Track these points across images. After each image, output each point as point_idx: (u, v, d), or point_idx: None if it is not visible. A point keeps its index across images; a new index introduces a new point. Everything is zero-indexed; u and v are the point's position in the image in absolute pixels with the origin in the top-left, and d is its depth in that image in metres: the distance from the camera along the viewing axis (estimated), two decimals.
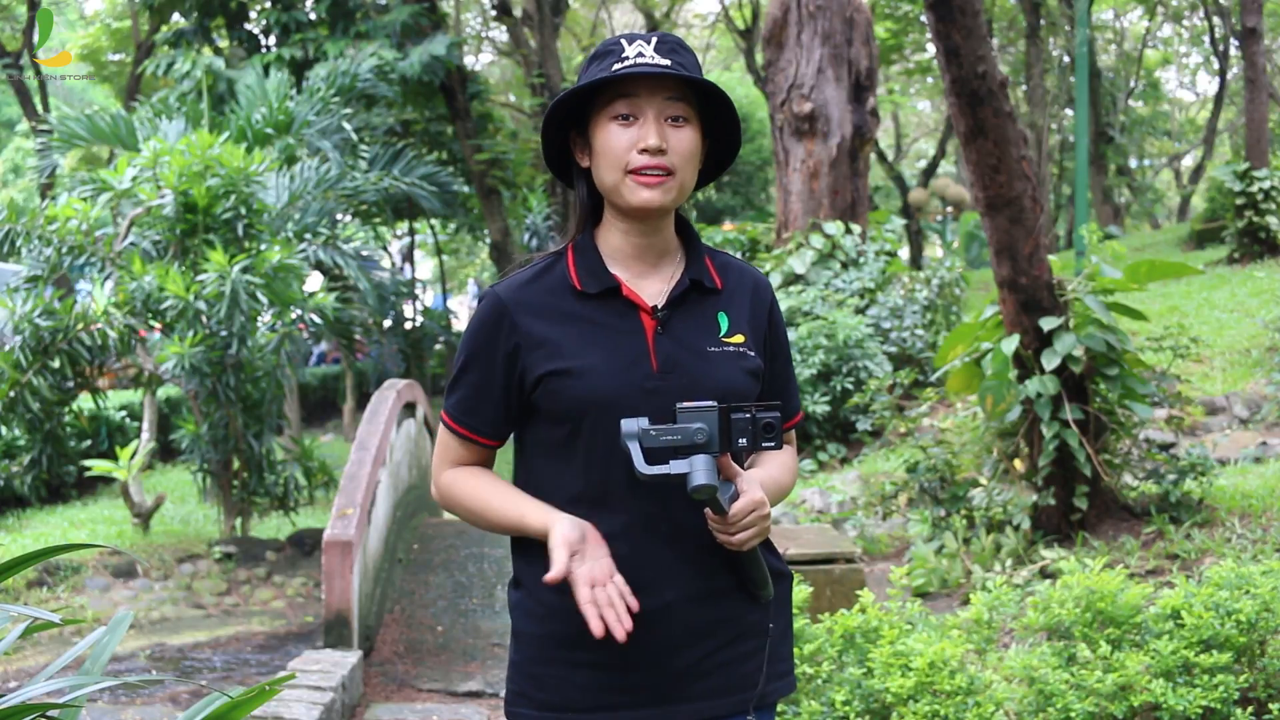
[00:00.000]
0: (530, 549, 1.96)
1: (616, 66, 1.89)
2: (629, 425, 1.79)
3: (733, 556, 1.90)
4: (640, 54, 1.89)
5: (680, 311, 1.95)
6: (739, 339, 1.97)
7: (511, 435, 2.05)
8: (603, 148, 1.91)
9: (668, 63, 1.89)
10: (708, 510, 1.83)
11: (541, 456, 1.98)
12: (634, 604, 1.83)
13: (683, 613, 1.91)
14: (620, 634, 1.80)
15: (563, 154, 2.01)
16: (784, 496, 2.08)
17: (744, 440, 1.81)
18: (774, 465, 2.05)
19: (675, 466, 1.76)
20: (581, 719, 1.92)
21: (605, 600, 1.81)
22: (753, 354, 1.98)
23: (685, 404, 1.81)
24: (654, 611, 1.89)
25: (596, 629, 1.80)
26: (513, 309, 1.94)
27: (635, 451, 1.78)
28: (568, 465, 1.93)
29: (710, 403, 1.81)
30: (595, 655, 1.90)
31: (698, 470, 1.74)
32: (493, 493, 1.97)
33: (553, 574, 1.81)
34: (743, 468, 1.96)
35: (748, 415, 1.81)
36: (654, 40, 1.92)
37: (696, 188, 2.01)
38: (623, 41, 1.92)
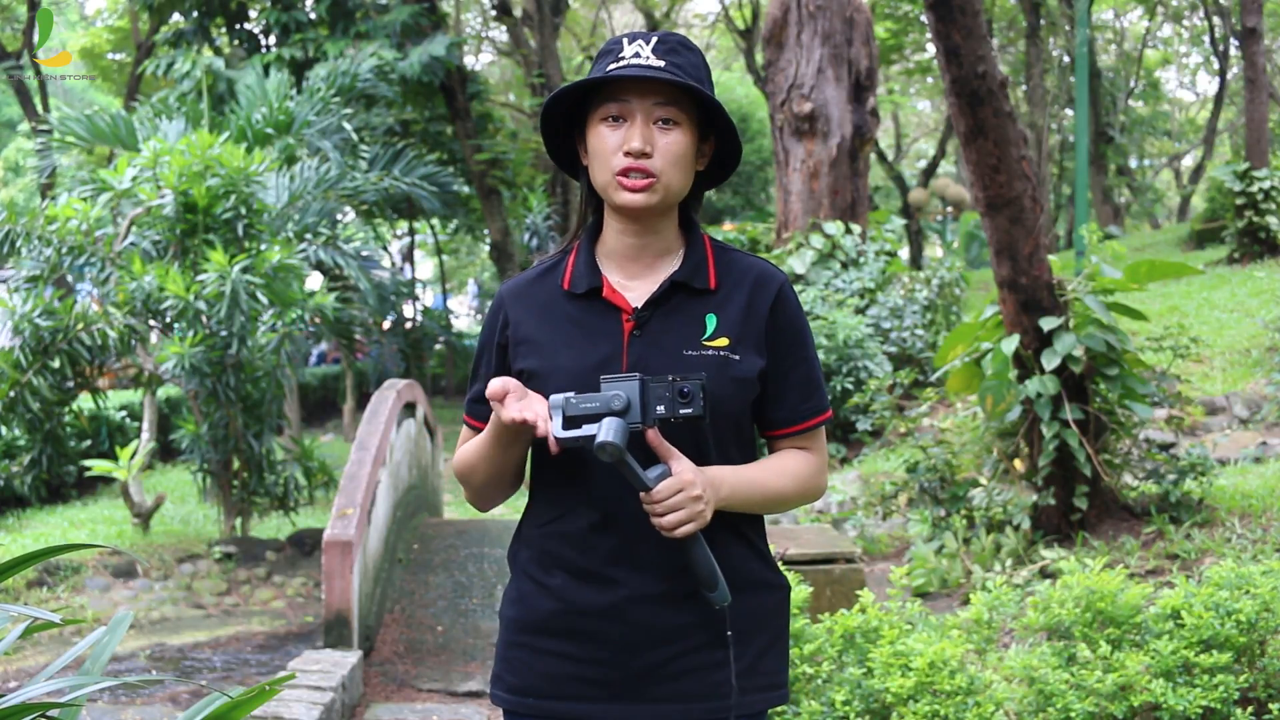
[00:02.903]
0: (522, 534, 2.01)
1: (611, 67, 1.89)
2: (555, 398, 1.83)
3: (679, 549, 1.87)
4: (636, 54, 1.89)
5: (661, 313, 1.94)
6: (723, 342, 1.93)
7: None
8: (593, 148, 1.93)
9: (661, 64, 1.88)
10: (641, 494, 1.83)
11: (542, 453, 2.00)
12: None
13: (643, 612, 1.90)
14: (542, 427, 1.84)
15: (572, 151, 2.03)
16: (783, 503, 2.00)
17: (661, 407, 1.82)
18: (764, 466, 1.98)
19: (587, 429, 1.79)
20: (545, 705, 1.95)
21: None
22: (738, 357, 1.93)
23: (609, 376, 1.84)
24: (612, 607, 1.90)
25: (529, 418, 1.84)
26: (508, 304, 2.01)
27: (556, 419, 1.82)
28: (545, 462, 1.97)
29: (634, 374, 1.83)
30: (558, 645, 1.94)
31: (604, 429, 1.76)
32: (477, 437, 2.02)
33: (509, 410, 1.84)
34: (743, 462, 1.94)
35: (666, 382, 1.83)
36: (653, 40, 1.91)
37: (701, 189, 2.01)
38: (623, 41, 1.93)
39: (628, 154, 1.88)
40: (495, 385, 1.85)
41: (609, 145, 1.90)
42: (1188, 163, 32.55)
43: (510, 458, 1.98)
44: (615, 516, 1.90)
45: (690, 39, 1.98)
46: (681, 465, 1.84)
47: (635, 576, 1.90)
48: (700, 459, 1.88)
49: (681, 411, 1.82)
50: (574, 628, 1.92)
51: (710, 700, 1.92)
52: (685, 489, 1.82)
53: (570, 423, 1.81)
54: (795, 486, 1.99)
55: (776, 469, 1.99)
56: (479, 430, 2.03)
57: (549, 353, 1.94)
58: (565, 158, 2.04)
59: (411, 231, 23.23)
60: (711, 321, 1.95)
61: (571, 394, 1.82)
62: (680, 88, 1.90)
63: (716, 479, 1.87)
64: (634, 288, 1.96)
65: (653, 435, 1.82)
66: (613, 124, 1.90)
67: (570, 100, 1.96)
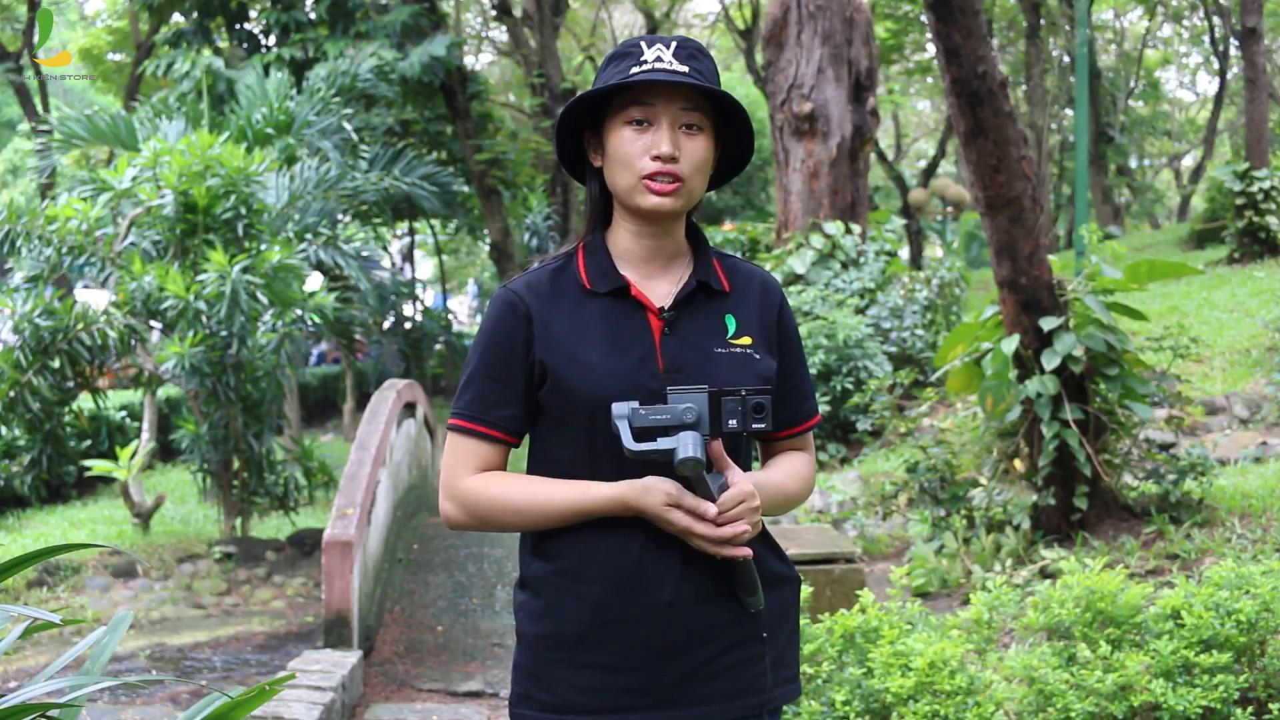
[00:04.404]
0: (541, 547, 1.95)
1: (634, 71, 1.89)
2: (619, 407, 1.81)
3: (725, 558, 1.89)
4: (659, 59, 1.89)
5: (687, 313, 1.95)
6: (746, 341, 1.96)
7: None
8: (616, 151, 1.92)
9: (685, 69, 1.89)
10: None
11: (547, 455, 1.97)
12: (711, 510, 1.84)
13: (686, 614, 1.90)
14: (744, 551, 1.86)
15: (577, 151, 2.02)
16: (792, 504, 2.04)
17: (734, 421, 1.82)
18: (779, 470, 2.02)
19: (663, 443, 1.77)
20: None
21: (728, 532, 1.84)
22: (760, 356, 1.96)
23: (676, 387, 1.82)
24: (656, 612, 1.88)
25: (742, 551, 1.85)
26: (528, 302, 1.94)
27: (624, 430, 1.79)
28: (574, 463, 1.92)
29: (701, 386, 1.82)
30: (597, 657, 1.89)
31: (684, 444, 1.75)
32: (536, 481, 1.93)
33: (698, 531, 1.83)
34: (743, 467, 1.95)
35: (738, 396, 1.82)
36: (673, 45, 1.92)
37: (708, 189, 2.01)
38: (642, 44, 1.92)
39: (657, 158, 1.88)
40: (672, 489, 1.83)
41: (634, 149, 1.90)
42: (1188, 163, 32.56)
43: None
44: (640, 521, 1.88)
45: (704, 46, 1.99)
46: (737, 475, 1.85)
47: (670, 581, 1.89)
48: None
49: (754, 426, 1.83)
50: (615, 636, 1.89)
51: (745, 697, 1.94)
52: (746, 500, 1.83)
53: (641, 434, 1.78)
54: (802, 489, 2.05)
55: (788, 472, 2.03)
56: (484, 437, 1.94)
57: (582, 351, 1.90)
58: (570, 157, 2.03)
59: (411, 231, 23.21)
60: (731, 322, 1.97)
61: (637, 404, 1.80)
62: (709, 94, 1.91)
63: (762, 488, 1.90)
64: (653, 288, 1.96)
65: (716, 447, 1.83)
66: (637, 128, 1.90)
67: (591, 102, 1.95)
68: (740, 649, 1.94)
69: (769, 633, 1.97)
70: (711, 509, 1.82)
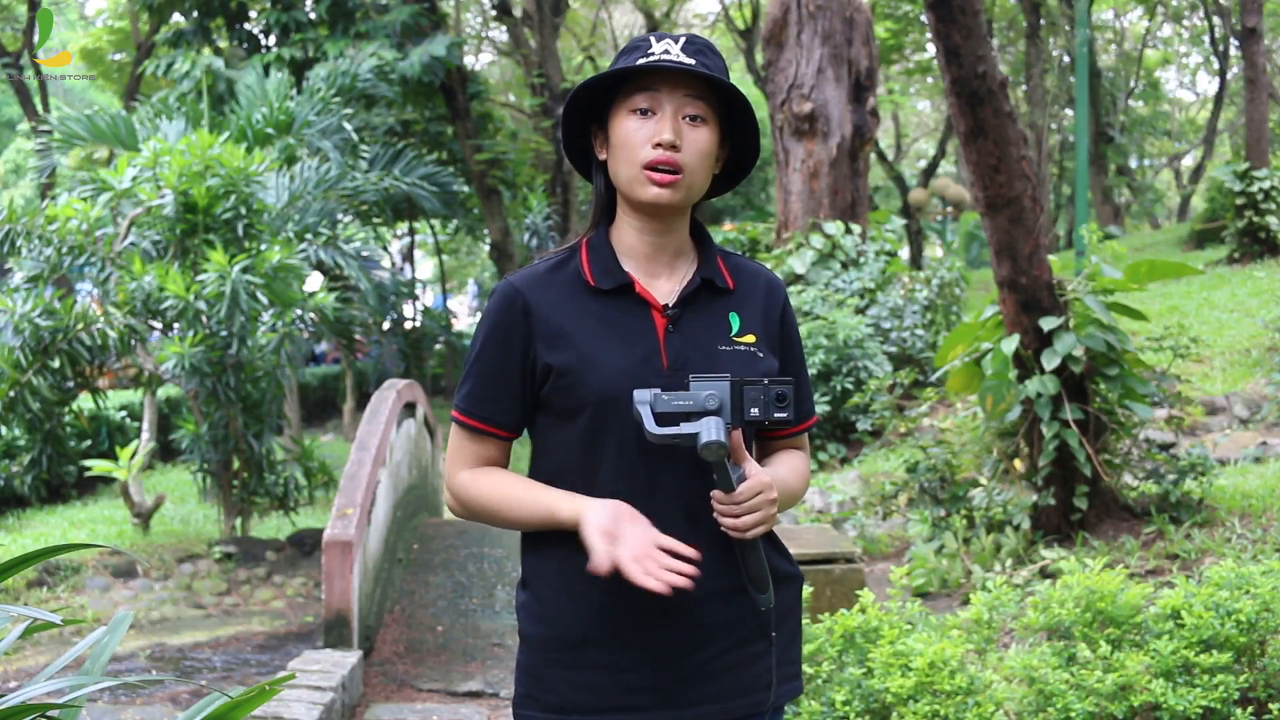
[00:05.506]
0: (542, 547, 1.95)
1: (641, 61, 1.90)
2: (641, 394, 1.80)
3: (736, 551, 1.89)
4: (666, 51, 1.90)
5: (691, 310, 1.95)
6: (750, 339, 1.96)
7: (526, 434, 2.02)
8: (619, 140, 1.92)
9: (692, 62, 1.90)
10: (715, 493, 1.82)
11: (549, 452, 1.96)
12: (691, 552, 1.80)
13: (687, 613, 1.89)
14: (684, 581, 1.77)
15: (584, 146, 2.02)
16: (794, 501, 2.04)
17: (755, 410, 1.82)
18: (783, 467, 2.03)
19: (685, 428, 1.76)
20: None
21: (655, 568, 1.78)
22: (763, 355, 1.96)
23: (698, 374, 1.83)
24: (656, 611, 1.87)
25: (662, 589, 1.77)
26: (528, 297, 1.93)
27: (646, 415, 1.78)
28: (575, 460, 1.92)
29: (724, 374, 1.83)
30: (598, 656, 1.89)
31: (707, 429, 1.74)
32: (516, 487, 1.93)
33: (594, 564, 1.79)
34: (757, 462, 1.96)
35: (760, 385, 1.83)
36: (681, 40, 1.93)
37: (715, 192, 2.02)
38: (651, 39, 1.93)
39: (658, 146, 1.88)
40: (606, 521, 1.82)
41: (637, 138, 1.89)
42: (1188, 163, 32.56)
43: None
44: (666, 519, 1.87)
45: (714, 45, 1.98)
46: (754, 467, 1.85)
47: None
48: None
49: (776, 415, 1.83)
50: (616, 636, 1.89)
51: (750, 695, 1.94)
52: (764, 491, 1.83)
53: (663, 419, 1.78)
54: (803, 486, 2.06)
55: (791, 469, 2.04)
56: (480, 433, 1.95)
57: (585, 348, 1.90)
58: (576, 154, 2.04)
59: (411, 231, 23.22)
60: (735, 320, 1.97)
61: (659, 390, 1.81)
62: (713, 83, 1.91)
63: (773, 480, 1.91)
64: (657, 285, 1.96)
65: (735, 437, 1.83)
66: (641, 116, 1.90)
67: (594, 92, 1.96)
68: (743, 647, 1.93)
69: (775, 630, 1.97)
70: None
